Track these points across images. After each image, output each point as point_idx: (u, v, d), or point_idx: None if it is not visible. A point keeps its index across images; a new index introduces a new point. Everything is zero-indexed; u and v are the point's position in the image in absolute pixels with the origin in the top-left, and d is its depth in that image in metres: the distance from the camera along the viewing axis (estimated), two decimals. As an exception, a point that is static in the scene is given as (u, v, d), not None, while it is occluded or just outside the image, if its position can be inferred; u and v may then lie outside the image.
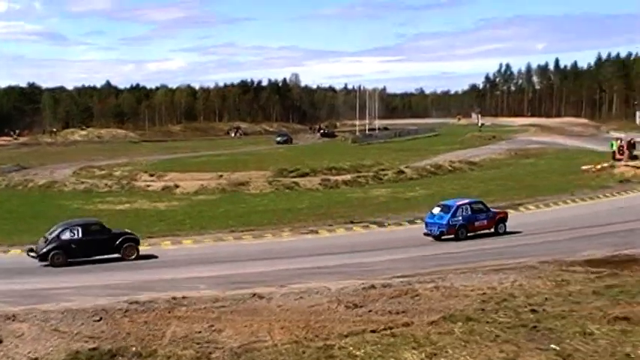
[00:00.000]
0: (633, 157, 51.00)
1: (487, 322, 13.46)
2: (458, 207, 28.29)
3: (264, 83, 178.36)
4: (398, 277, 18.33)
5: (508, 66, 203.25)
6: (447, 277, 17.74)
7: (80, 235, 24.62)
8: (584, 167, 49.69)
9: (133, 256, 24.81)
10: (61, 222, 26.12)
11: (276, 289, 17.10)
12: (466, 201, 29.33)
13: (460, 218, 28.01)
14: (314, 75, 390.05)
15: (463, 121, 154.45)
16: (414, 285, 16.90)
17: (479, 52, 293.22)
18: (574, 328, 13.00)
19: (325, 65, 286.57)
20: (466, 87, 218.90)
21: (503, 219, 29.18)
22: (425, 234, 28.18)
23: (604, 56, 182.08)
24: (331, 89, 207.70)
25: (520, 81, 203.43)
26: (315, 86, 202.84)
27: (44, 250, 24.08)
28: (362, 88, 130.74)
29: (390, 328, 13.19)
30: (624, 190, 40.73)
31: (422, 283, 17.19)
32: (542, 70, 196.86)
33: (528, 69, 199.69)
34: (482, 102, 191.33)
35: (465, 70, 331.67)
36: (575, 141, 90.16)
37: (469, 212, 28.33)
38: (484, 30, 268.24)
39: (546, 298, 15.37)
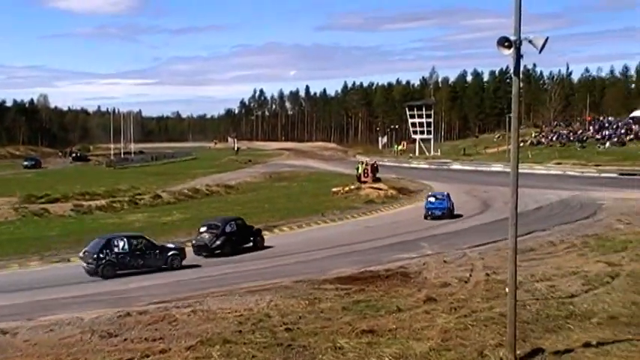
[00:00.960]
0: (377, 180, 54.65)
1: (244, 344, 13.63)
2: (448, 195, 41.89)
3: (9, 104, 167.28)
4: (155, 303, 18.01)
5: (262, 91, 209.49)
6: (204, 301, 17.74)
7: (236, 228, 30.41)
8: (333, 189, 52.32)
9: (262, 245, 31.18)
10: (209, 219, 32.88)
11: (22, 322, 16.04)
12: (447, 192, 43.05)
13: (450, 204, 40.99)
14: (65, 96, 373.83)
15: (220, 145, 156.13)
16: (171, 310, 16.70)
17: (234, 77, 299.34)
18: (326, 344, 13.60)
19: (77, 86, 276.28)
20: (222, 111, 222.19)
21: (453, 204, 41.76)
22: (426, 216, 39.78)
23: (350, 84, 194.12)
24: (84, 111, 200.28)
25: (274, 106, 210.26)
26: (66, 108, 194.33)
27: (218, 242, 29.61)
28: (117, 110, 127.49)
29: (147, 356, 12.90)
30: (369, 211, 43.56)
31: (179, 308, 17.04)
32: (294, 96, 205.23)
33: (281, 95, 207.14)
34: (238, 126, 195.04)
35: (221, 94, 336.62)
36: (325, 164, 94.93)
37: (450, 200, 41.37)
38: (239, 56, 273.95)
39: (300, 317, 15.93)
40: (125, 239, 26.27)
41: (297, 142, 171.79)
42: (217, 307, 16.94)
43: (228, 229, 29.96)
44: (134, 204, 47.36)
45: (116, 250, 25.60)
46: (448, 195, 42.00)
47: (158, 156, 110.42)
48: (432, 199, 41.16)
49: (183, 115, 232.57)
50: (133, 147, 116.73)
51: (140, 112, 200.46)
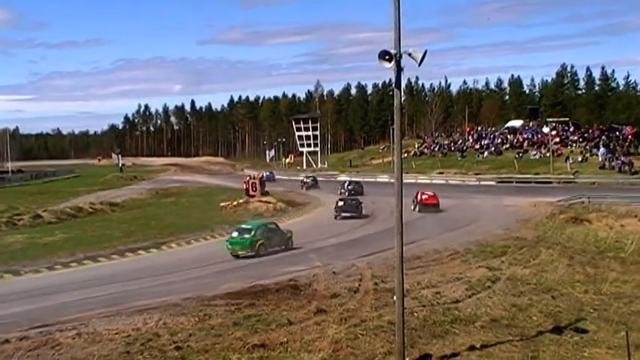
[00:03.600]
0: (265, 193, 54.66)
1: (132, 365, 13.32)
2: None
3: None
4: (36, 327, 17.24)
5: (147, 106, 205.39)
6: (89, 323, 17.17)
7: None
8: (222, 204, 51.94)
9: None
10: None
11: None
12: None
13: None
14: None
15: (104, 162, 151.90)
16: (54, 334, 16.06)
17: (117, 92, 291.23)
18: (217, 360, 13.49)
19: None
20: (106, 127, 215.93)
21: None
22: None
23: (236, 98, 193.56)
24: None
25: (159, 121, 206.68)
26: None
27: None
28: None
29: (29, 384, 12.38)
30: (258, 225, 43.41)
31: (63, 331, 16.41)
32: (180, 110, 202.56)
33: (166, 110, 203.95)
34: (122, 142, 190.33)
35: (103, 110, 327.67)
36: (214, 179, 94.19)
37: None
38: (122, 70, 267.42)
39: (190, 334, 15.70)
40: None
41: (184, 157, 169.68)
42: (104, 329, 16.45)
43: None
44: (13, 225, 45.25)
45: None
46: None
47: (38, 174, 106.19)
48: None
49: (65, 132, 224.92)
50: (10, 166, 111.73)
51: (17, 129, 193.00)
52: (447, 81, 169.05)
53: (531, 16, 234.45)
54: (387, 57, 11.86)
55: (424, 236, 33.24)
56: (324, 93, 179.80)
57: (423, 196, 47.08)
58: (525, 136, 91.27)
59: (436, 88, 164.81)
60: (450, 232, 35.16)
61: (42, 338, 15.70)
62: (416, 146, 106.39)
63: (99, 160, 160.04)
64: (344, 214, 44.83)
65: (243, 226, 33.79)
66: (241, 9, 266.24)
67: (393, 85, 12.69)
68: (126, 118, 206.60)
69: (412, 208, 44.43)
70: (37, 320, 18.72)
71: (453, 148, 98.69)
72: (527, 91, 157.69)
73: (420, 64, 11.95)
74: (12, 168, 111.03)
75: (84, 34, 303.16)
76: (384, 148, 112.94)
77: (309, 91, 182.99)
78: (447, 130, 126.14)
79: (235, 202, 51.68)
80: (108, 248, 34.79)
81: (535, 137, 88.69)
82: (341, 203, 46.23)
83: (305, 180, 75.01)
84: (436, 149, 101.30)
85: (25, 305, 22.51)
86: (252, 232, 31.79)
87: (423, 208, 45.92)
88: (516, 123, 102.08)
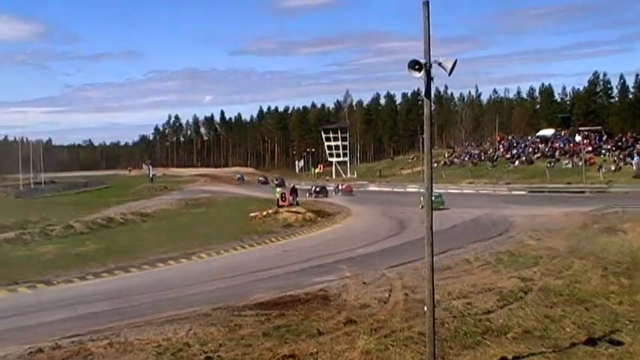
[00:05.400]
0: (294, 203, 54.73)
1: (163, 375, 13.36)
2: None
3: None
4: (68, 337, 17.37)
5: (177, 117, 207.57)
6: (121, 333, 17.27)
7: None
8: (252, 214, 52.03)
9: None
10: None
11: None
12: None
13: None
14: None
15: (134, 173, 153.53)
16: (86, 344, 16.17)
17: (148, 103, 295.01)
18: (246, 371, 13.46)
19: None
20: (136, 138, 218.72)
21: None
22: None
23: (265, 109, 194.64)
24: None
25: (189, 132, 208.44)
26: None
27: None
28: (25, 139, 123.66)
29: (61, 393, 12.45)
30: (288, 235, 43.50)
31: (95, 341, 16.52)
32: (209, 121, 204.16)
33: (196, 120, 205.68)
34: (152, 153, 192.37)
35: (134, 121, 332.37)
36: (243, 189, 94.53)
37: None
38: (154, 82, 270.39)
39: (220, 344, 15.71)
40: None
41: (214, 167, 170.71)
42: (135, 338, 16.52)
43: None
44: (45, 235, 45.70)
45: None
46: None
47: (70, 185, 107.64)
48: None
49: (96, 143, 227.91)
50: (43, 177, 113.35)
51: (50, 140, 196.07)
52: (477, 90, 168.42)
53: (563, 24, 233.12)
54: (416, 67, 11.80)
55: (454, 246, 32.99)
56: (353, 103, 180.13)
57: (343, 186, 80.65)
58: (557, 145, 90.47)
59: (466, 97, 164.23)
60: (480, 242, 34.85)
61: (74, 348, 15.81)
62: (446, 156, 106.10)
63: (129, 171, 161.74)
64: (320, 195, 72.07)
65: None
66: (271, 19, 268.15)
67: (423, 94, 12.58)
68: (156, 129, 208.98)
69: (333, 194, 74.14)
70: (69, 330, 18.89)
71: (483, 158, 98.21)
72: (559, 100, 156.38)
73: (450, 74, 11.86)
74: (45, 179, 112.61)
75: (117, 46, 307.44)
76: (413, 158, 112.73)
77: (338, 101, 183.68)
78: (477, 139, 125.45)
79: (265, 213, 51.75)
80: (139, 258, 34.93)
81: (567, 146, 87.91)
82: (318, 189, 75.53)
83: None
84: (466, 159, 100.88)
85: (57, 315, 22.71)
86: (440, 197, 52.24)
87: (343, 194, 75.70)
88: (548, 132, 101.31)
